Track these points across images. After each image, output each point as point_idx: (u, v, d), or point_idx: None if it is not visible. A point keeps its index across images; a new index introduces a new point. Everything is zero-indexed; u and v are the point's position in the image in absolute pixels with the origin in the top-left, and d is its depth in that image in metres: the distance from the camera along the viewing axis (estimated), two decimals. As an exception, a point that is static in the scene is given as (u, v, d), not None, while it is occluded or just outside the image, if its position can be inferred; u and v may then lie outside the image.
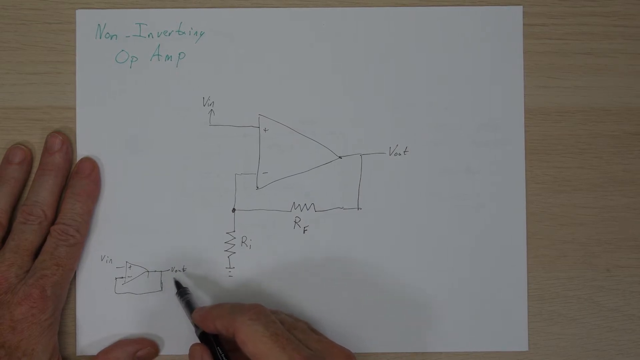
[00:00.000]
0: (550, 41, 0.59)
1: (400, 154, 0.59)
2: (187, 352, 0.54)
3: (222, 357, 0.53)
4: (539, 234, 0.59)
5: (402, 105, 0.59)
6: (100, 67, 0.58)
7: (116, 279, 0.58)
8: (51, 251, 0.55)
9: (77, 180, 0.57)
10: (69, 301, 0.57)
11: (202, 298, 0.58)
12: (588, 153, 0.59)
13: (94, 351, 0.57)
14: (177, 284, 0.57)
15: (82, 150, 0.58)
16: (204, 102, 0.58)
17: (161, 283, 0.58)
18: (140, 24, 0.58)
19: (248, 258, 0.58)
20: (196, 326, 0.54)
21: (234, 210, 0.58)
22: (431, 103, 0.59)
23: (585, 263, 0.59)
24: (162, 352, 0.58)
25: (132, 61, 0.58)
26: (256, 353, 0.49)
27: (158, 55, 0.58)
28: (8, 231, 0.56)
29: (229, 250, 0.58)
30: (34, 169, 0.58)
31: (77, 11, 0.58)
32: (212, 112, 0.58)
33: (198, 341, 0.54)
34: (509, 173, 0.59)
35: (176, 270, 0.58)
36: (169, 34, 0.58)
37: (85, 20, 0.58)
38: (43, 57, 0.58)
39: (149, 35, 0.58)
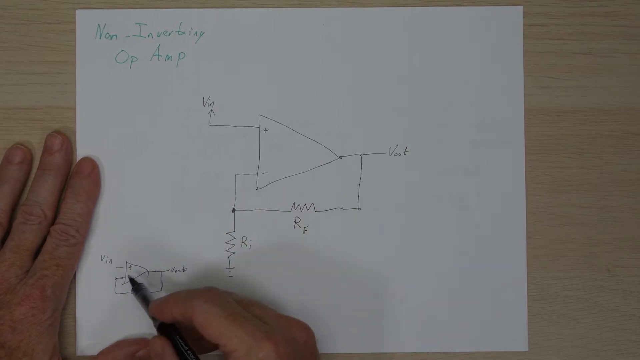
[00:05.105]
0: (550, 41, 0.59)
1: (400, 154, 0.58)
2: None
3: (182, 346, 0.52)
4: (539, 234, 0.59)
5: (402, 105, 0.59)
6: (100, 67, 0.58)
7: (116, 279, 0.58)
8: (51, 251, 0.55)
9: (77, 180, 0.57)
10: (69, 301, 0.57)
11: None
12: (588, 153, 0.59)
13: (94, 351, 0.57)
14: (132, 281, 0.57)
15: (82, 150, 0.58)
16: (204, 102, 0.58)
17: (161, 283, 0.58)
18: (140, 24, 0.58)
19: (248, 258, 0.58)
20: (154, 319, 0.54)
21: (234, 210, 0.58)
22: (431, 103, 0.59)
23: (585, 263, 0.59)
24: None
25: (132, 61, 0.58)
26: (216, 334, 0.49)
27: (158, 55, 0.58)
28: (8, 231, 0.56)
29: (229, 250, 0.58)
30: (34, 169, 0.58)
31: (77, 11, 0.58)
32: (212, 112, 0.58)
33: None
34: (509, 173, 0.59)
35: (176, 271, 0.58)
36: (169, 34, 0.58)
37: (85, 20, 0.58)
38: (43, 57, 0.58)
39: (149, 36, 0.58)
